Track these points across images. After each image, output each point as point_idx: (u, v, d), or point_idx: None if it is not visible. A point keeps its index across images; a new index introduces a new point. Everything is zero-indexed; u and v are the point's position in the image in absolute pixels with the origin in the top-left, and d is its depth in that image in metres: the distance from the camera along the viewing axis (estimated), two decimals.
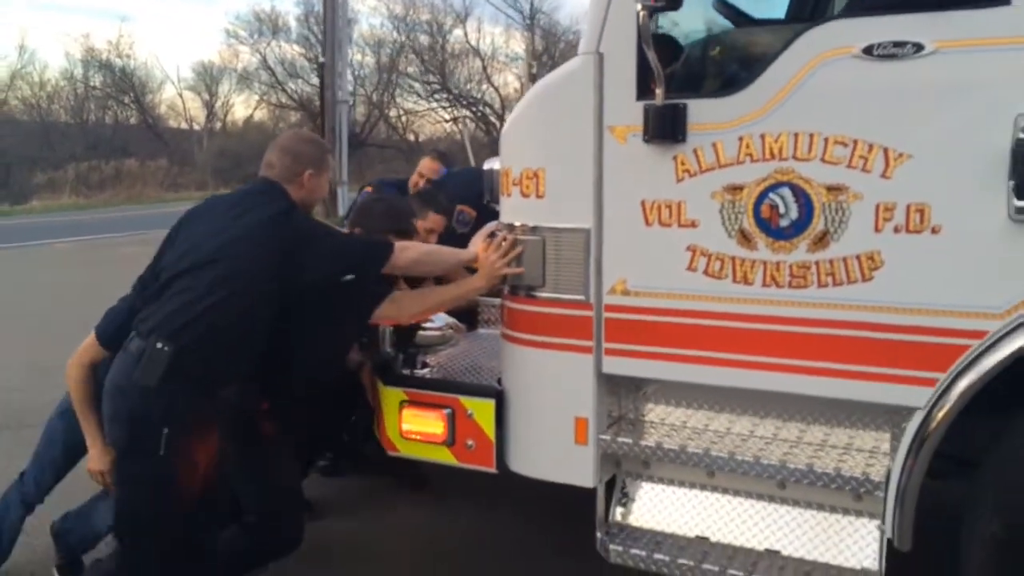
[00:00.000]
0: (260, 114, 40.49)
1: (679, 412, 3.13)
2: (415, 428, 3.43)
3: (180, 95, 41.62)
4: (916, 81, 2.48)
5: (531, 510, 4.34)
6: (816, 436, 2.91)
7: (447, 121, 37.86)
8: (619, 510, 3.17)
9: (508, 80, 36.70)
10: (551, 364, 3.08)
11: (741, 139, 2.69)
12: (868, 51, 2.50)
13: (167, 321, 2.91)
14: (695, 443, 2.95)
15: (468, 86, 37.83)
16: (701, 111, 2.76)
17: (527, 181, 3.05)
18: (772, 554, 2.90)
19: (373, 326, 3.52)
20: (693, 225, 2.80)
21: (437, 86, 37.31)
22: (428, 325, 3.60)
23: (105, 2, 64.32)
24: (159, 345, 2.86)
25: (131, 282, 3.33)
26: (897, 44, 2.47)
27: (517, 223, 3.12)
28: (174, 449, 2.89)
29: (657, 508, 3.13)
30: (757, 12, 3.51)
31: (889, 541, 2.65)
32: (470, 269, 3.43)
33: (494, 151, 3.66)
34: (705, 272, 2.80)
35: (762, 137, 2.67)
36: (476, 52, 37.21)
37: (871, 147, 2.53)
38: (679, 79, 3.01)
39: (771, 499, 2.95)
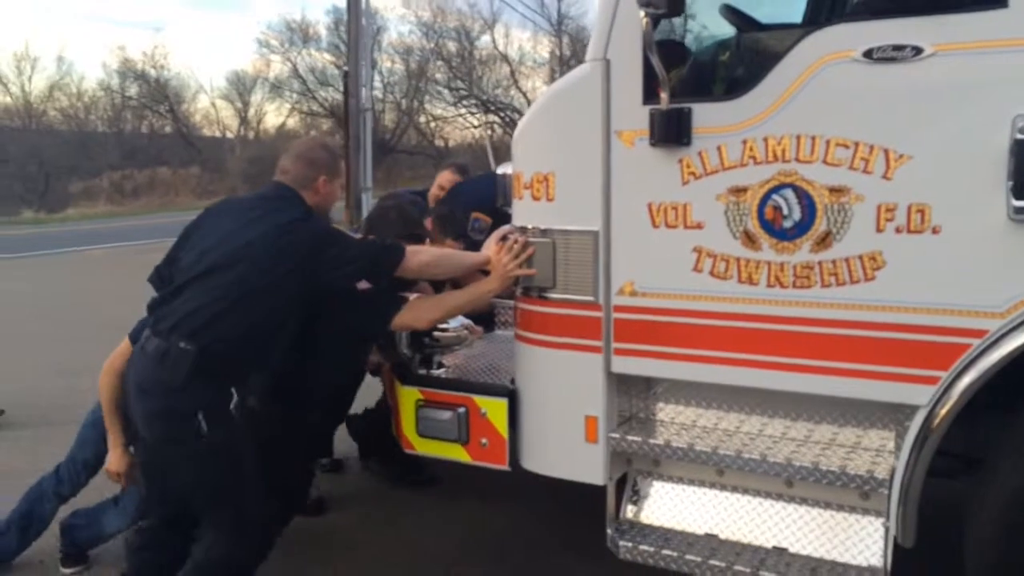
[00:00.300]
0: (292, 122, 41.00)
1: (689, 411, 3.18)
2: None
3: (213, 104, 42.50)
4: (916, 83, 2.51)
5: (541, 507, 4.40)
6: (825, 435, 2.94)
7: (475, 127, 38.10)
8: (629, 507, 3.21)
9: (536, 85, 36.76)
10: (561, 363, 3.14)
11: (745, 142, 2.74)
12: (868, 55, 2.54)
13: (187, 320, 2.97)
14: (704, 441, 2.99)
15: (496, 91, 38.08)
16: (706, 115, 2.80)
17: (538, 185, 3.12)
18: (779, 551, 2.93)
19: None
20: (699, 227, 2.85)
21: (465, 92, 37.52)
22: (443, 327, 3.68)
23: (140, 13, 65.45)
24: (182, 344, 2.93)
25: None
26: (896, 47, 2.51)
27: (529, 226, 3.19)
28: (214, 424, 2.99)
29: (667, 505, 3.17)
30: (763, 17, 3.54)
31: (895, 538, 2.68)
32: (484, 272, 3.51)
33: None
34: (711, 273, 2.85)
35: (765, 140, 2.71)
36: (504, 58, 37.50)
37: (872, 149, 2.57)
38: (684, 84, 3.06)
39: (779, 497, 2.99)
